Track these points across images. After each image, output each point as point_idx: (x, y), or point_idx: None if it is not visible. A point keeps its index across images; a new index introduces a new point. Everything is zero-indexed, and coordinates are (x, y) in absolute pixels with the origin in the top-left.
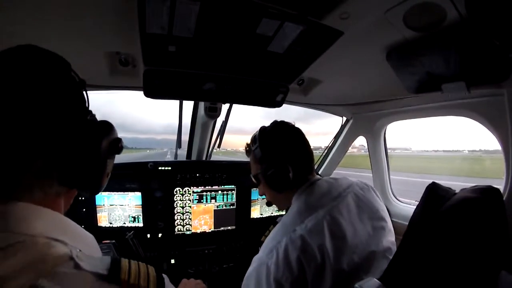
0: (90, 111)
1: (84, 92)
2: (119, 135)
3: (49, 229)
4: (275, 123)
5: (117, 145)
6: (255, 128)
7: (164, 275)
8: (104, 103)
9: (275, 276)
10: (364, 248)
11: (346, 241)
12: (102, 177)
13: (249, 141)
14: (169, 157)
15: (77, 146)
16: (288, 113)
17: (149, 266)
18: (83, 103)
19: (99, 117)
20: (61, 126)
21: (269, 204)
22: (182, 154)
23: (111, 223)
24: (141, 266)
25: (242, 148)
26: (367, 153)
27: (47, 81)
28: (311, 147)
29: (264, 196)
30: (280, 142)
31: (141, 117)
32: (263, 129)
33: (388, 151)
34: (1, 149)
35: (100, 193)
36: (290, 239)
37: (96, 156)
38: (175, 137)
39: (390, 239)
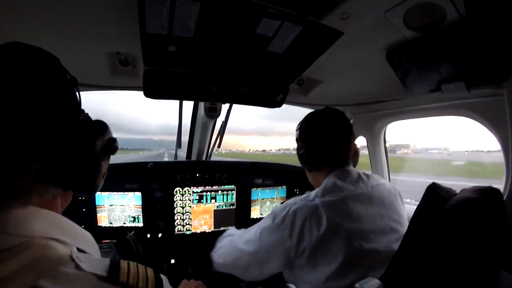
0: (83, 110)
1: (76, 91)
2: (115, 135)
3: (48, 229)
4: (326, 109)
5: (112, 145)
6: (254, 128)
7: (163, 276)
8: (100, 103)
9: (278, 224)
10: (376, 240)
11: (360, 226)
12: (97, 178)
13: None
14: (167, 159)
15: (71, 148)
16: (293, 112)
17: (148, 267)
18: (75, 102)
19: (94, 118)
20: (54, 127)
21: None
22: (182, 154)
23: (111, 223)
24: (140, 267)
25: (247, 149)
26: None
27: (38, 80)
28: None
29: (263, 197)
30: (319, 125)
31: (137, 117)
32: (313, 112)
33: (422, 152)
34: None
35: (100, 193)
36: (305, 204)
37: (91, 157)
38: (172, 138)
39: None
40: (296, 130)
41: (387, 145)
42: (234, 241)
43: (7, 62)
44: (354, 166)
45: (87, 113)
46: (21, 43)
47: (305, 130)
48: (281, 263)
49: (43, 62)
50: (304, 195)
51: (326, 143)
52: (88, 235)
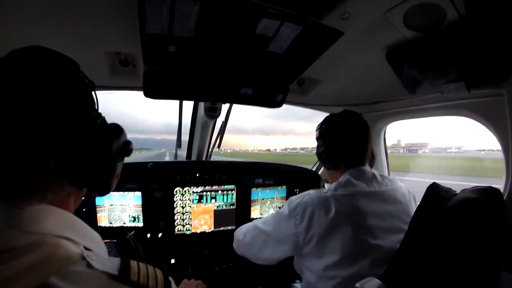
0: (100, 114)
1: (93, 94)
2: None
3: (60, 227)
4: (345, 111)
5: (127, 148)
6: (256, 128)
7: (170, 278)
8: (102, 102)
9: (291, 210)
10: (383, 237)
11: (367, 221)
12: (112, 179)
13: None
14: (168, 158)
15: (88, 148)
16: (295, 110)
17: (156, 268)
18: (93, 105)
19: None
20: (72, 128)
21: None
22: (182, 154)
23: (111, 223)
24: (149, 268)
25: (251, 149)
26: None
27: (58, 83)
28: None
29: (263, 197)
30: (338, 126)
31: (140, 117)
32: (332, 114)
33: (438, 151)
34: (16, 149)
35: None
36: (317, 195)
37: (107, 158)
38: (174, 137)
39: None
40: (316, 130)
41: (402, 144)
42: (255, 222)
43: (31, 64)
44: (371, 167)
45: (104, 116)
46: (44, 47)
47: (324, 130)
48: (291, 248)
49: (64, 66)
50: (316, 189)
51: (344, 144)
52: (97, 235)
